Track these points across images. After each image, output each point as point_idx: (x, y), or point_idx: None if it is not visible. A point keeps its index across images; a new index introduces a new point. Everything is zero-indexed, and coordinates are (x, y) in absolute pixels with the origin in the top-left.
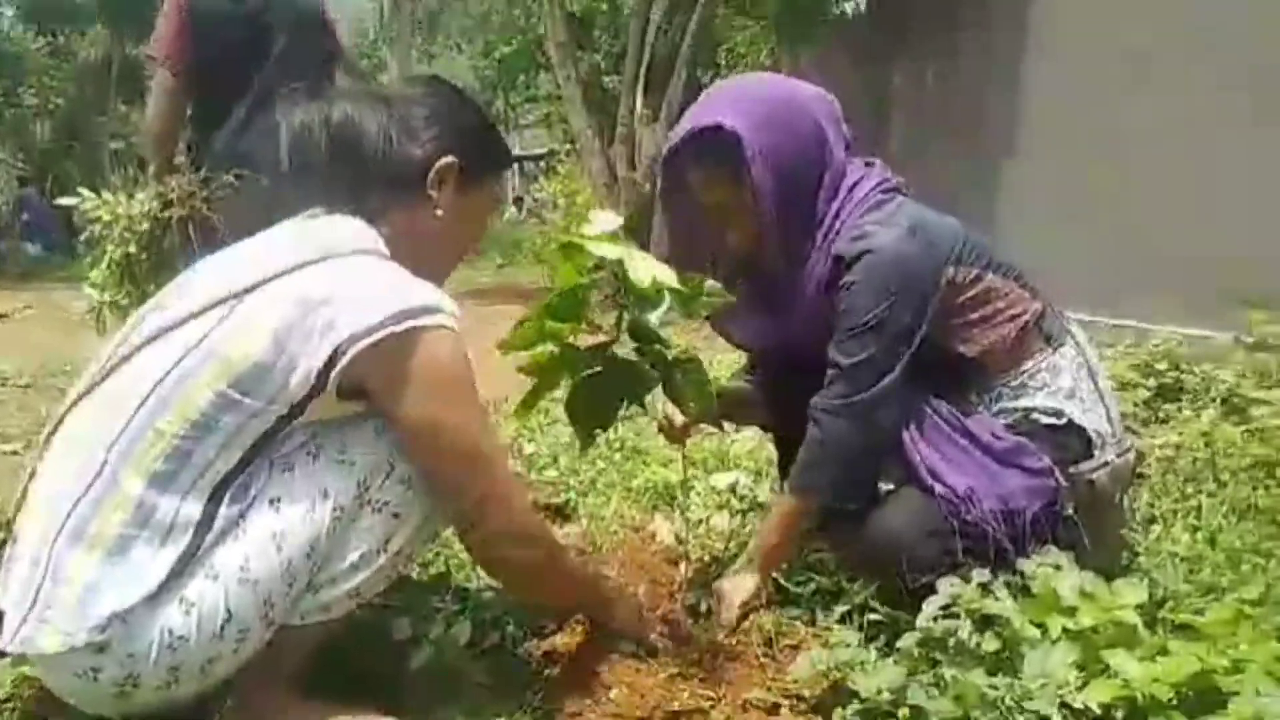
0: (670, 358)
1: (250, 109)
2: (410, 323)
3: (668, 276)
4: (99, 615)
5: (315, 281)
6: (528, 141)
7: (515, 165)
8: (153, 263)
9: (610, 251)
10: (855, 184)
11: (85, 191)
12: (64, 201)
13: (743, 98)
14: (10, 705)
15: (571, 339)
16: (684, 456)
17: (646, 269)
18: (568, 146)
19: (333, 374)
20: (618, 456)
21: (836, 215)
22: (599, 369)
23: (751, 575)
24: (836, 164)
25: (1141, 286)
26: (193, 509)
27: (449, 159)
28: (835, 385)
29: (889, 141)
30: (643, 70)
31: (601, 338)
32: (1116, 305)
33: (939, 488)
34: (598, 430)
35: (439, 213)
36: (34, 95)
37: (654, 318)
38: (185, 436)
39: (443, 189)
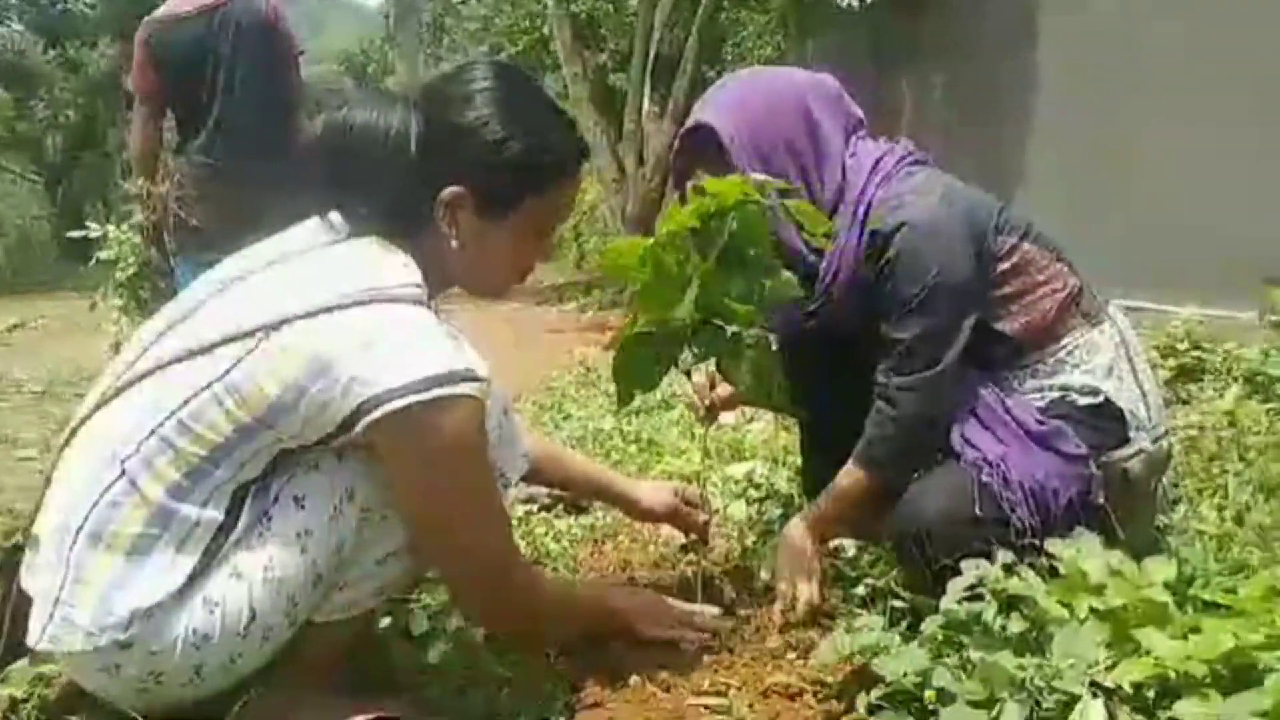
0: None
1: (214, 121)
2: (437, 391)
3: None
4: (122, 613)
5: (345, 330)
6: None
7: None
8: (150, 273)
9: None
10: (879, 160)
11: (92, 224)
12: (74, 234)
13: (721, 91)
14: (29, 705)
15: None
16: (705, 437)
17: None
18: None
19: (357, 428)
20: (633, 449)
21: (862, 191)
22: (650, 330)
23: (803, 535)
24: (832, 141)
25: (1159, 269)
26: (214, 514)
27: (454, 190)
28: (904, 361)
29: (899, 134)
30: (649, 68)
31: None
32: (1133, 287)
33: (970, 453)
34: (638, 391)
35: (454, 244)
36: (45, 108)
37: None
38: (206, 458)
39: (458, 220)
